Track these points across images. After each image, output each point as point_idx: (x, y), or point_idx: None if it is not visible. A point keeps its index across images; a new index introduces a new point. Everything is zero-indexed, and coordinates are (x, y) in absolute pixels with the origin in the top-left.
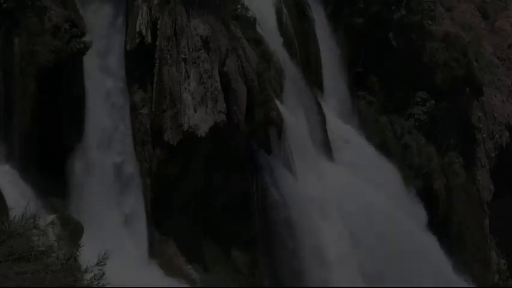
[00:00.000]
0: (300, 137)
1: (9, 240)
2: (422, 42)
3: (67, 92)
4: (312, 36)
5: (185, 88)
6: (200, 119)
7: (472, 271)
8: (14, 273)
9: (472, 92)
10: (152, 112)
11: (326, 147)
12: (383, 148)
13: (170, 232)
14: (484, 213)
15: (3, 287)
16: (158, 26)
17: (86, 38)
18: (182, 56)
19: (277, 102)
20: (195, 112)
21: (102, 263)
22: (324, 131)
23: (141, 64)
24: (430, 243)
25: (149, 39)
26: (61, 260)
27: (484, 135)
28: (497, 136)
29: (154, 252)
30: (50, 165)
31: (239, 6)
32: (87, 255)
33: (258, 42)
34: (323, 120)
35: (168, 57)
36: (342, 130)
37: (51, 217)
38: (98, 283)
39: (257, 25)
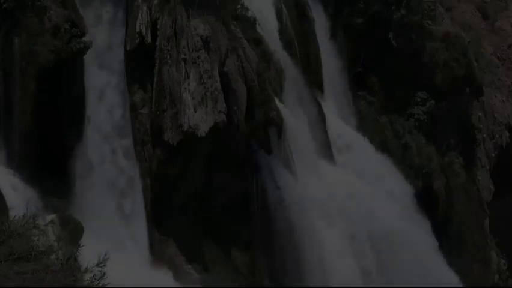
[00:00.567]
0: (300, 137)
1: (9, 240)
2: (422, 42)
3: (67, 92)
4: (312, 36)
5: (185, 88)
6: (200, 119)
7: (472, 271)
8: (14, 273)
9: (472, 92)
10: (152, 112)
11: (326, 147)
12: (383, 148)
13: (170, 232)
14: (484, 213)
15: (3, 287)
16: (158, 26)
17: (86, 38)
18: (182, 56)
19: (277, 102)
20: (195, 112)
21: (102, 264)
22: (324, 131)
23: (141, 64)
24: (431, 247)
25: (149, 39)
26: (61, 260)
27: (484, 135)
28: (497, 136)
29: (154, 252)
30: (50, 165)
31: (239, 6)
32: (87, 255)
33: (258, 42)
34: (323, 120)
35: (168, 57)
36: (342, 130)
37: (50, 217)
38: (98, 283)
39: (257, 25)
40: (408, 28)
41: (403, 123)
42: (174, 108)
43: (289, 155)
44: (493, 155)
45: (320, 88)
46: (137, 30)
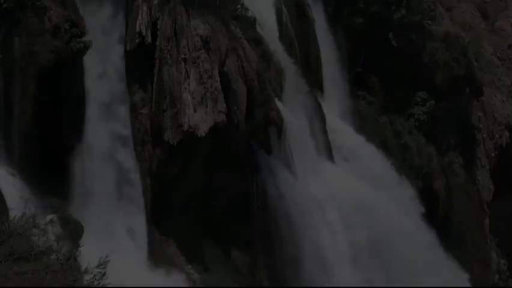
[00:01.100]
0: (300, 137)
1: (9, 240)
2: (422, 42)
3: (67, 92)
4: (312, 36)
5: (185, 88)
6: (200, 119)
7: (472, 271)
8: (14, 273)
9: (472, 92)
10: (152, 112)
11: (326, 147)
12: (383, 148)
13: (170, 232)
14: (484, 213)
15: (3, 287)
16: (158, 26)
17: (86, 38)
18: (182, 56)
19: (277, 102)
20: (195, 112)
21: (102, 266)
22: (324, 131)
23: (141, 64)
24: (429, 241)
25: (149, 39)
26: (61, 260)
27: (484, 135)
28: (497, 136)
29: (154, 252)
30: (50, 165)
31: (239, 6)
32: (87, 255)
33: (258, 42)
34: (323, 120)
35: (168, 57)
36: (342, 130)
37: (50, 216)
38: (98, 283)
39: (257, 25)
40: (408, 28)
41: (403, 123)
42: (174, 108)
43: (289, 154)
44: (493, 155)
45: (320, 88)
46: (137, 30)
